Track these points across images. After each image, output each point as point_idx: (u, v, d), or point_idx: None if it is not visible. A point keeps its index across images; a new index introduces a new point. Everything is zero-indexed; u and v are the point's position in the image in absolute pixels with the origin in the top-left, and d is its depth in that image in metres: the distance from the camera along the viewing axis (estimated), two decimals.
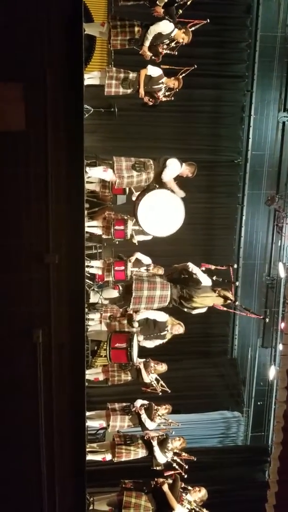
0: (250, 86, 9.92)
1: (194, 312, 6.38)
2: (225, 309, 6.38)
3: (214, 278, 6.29)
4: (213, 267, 6.33)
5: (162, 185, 6.34)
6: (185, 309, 6.37)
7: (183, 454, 6.64)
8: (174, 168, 6.25)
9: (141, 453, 6.62)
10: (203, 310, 6.40)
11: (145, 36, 6.13)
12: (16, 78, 5.16)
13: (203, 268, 6.25)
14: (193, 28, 6.34)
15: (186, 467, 6.48)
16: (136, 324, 6.44)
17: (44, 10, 5.11)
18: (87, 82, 6.28)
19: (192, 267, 6.20)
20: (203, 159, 9.48)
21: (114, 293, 7.11)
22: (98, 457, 6.78)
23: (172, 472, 6.48)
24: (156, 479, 6.41)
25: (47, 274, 5.41)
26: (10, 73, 5.17)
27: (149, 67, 6.38)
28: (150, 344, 6.70)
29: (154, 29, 6.07)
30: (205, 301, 6.21)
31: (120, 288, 6.76)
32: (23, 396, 5.60)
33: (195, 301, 6.17)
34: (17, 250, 5.38)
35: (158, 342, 6.69)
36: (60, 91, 5.27)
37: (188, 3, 6.01)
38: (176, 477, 6.35)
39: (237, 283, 7.17)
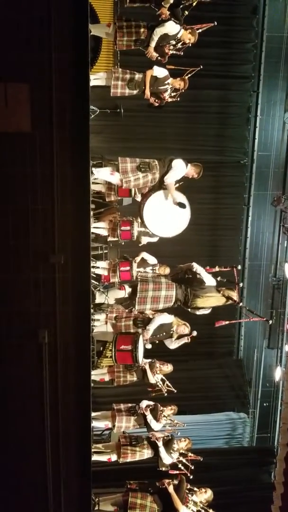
0: (256, 87, 9.90)
1: (198, 312, 6.38)
2: (227, 322, 6.36)
3: (219, 279, 6.28)
4: (217, 269, 6.32)
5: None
6: (190, 310, 6.36)
7: (189, 454, 6.63)
8: (179, 170, 6.22)
9: (147, 454, 6.61)
10: (208, 311, 6.39)
11: (151, 37, 6.11)
12: (22, 79, 5.18)
13: (208, 271, 6.24)
14: (199, 30, 6.33)
15: (192, 467, 6.46)
16: (150, 333, 6.42)
17: (51, 11, 5.12)
18: (93, 83, 6.29)
19: (196, 267, 6.20)
20: (209, 159, 9.49)
21: (120, 294, 7.10)
22: (103, 458, 6.78)
23: (178, 472, 6.47)
24: (161, 480, 6.41)
25: (53, 275, 5.43)
26: (16, 74, 5.19)
27: (155, 68, 6.38)
28: (175, 344, 6.69)
29: (160, 30, 6.06)
30: (209, 301, 6.19)
31: (126, 288, 6.76)
32: (29, 396, 5.62)
33: (199, 301, 6.17)
34: (23, 250, 5.40)
35: (181, 342, 6.66)
36: (66, 92, 5.29)
37: (194, 4, 5.99)
38: (181, 478, 6.34)
39: (241, 284, 7.15)
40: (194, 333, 6.54)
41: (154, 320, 6.45)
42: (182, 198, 6.30)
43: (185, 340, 6.60)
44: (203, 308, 6.35)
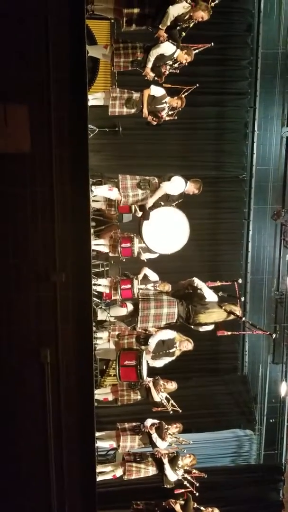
0: (253, 103, 10.00)
1: (201, 329, 6.34)
2: (230, 333, 6.33)
3: (220, 294, 6.26)
4: (218, 283, 6.30)
5: (166, 202, 6.35)
6: (192, 326, 6.33)
7: (194, 471, 6.54)
8: (176, 185, 6.25)
9: (151, 471, 6.54)
10: (210, 327, 6.35)
11: (147, 58, 6.18)
12: (21, 100, 5.24)
13: (209, 286, 6.23)
14: (196, 51, 6.40)
15: (197, 484, 6.37)
16: (151, 347, 6.39)
17: (48, 33, 5.20)
18: (91, 103, 6.36)
19: (197, 282, 6.20)
20: (208, 175, 9.54)
21: (122, 311, 7.08)
22: (108, 476, 6.70)
23: (183, 490, 6.38)
24: (168, 500, 6.31)
25: (54, 293, 5.41)
26: (16, 95, 5.25)
27: (152, 87, 6.45)
28: (159, 363, 6.65)
29: (156, 51, 6.13)
30: (211, 316, 6.17)
31: (128, 305, 6.74)
32: (31, 416, 5.56)
33: (202, 316, 6.14)
34: (23, 269, 5.39)
35: (167, 360, 6.63)
36: (65, 112, 5.33)
37: (190, 25, 6.07)
38: (188, 497, 6.26)
39: (242, 298, 7.13)
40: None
41: (155, 335, 6.42)
42: (173, 216, 6.31)
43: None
44: (206, 324, 6.31)
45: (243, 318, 6.39)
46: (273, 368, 10.65)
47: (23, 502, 5.72)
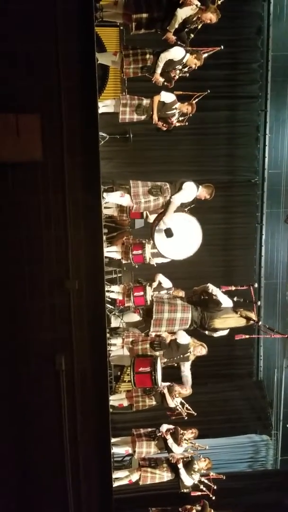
0: (264, 106, 9.95)
1: (216, 334, 6.32)
2: (248, 336, 6.30)
3: (235, 299, 6.23)
4: (233, 288, 6.27)
5: (178, 208, 6.33)
6: (206, 332, 6.31)
7: (211, 473, 6.51)
8: (189, 192, 6.23)
9: (166, 476, 6.52)
10: (225, 332, 6.33)
11: (157, 63, 6.20)
12: (33, 110, 5.29)
13: (223, 290, 6.20)
14: (206, 55, 6.41)
15: (215, 487, 6.33)
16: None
17: (58, 42, 5.25)
18: (101, 110, 6.40)
19: (212, 288, 6.17)
20: (220, 180, 9.50)
21: (135, 317, 7.09)
22: (124, 481, 6.69)
23: (200, 493, 6.34)
24: (184, 506, 6.28)
25: (68, 300, 5.45)
26: (27, 104, 5.31)
27: (162, 93, 6.46)
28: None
29: (165, 56, 6.15)
30: (227, 322, 6.14)
31: (141, 312, 6.73)
32: (47, 423, 5.59)
33: (217, 322, 6.12)
34: (37, 277, 5.44)
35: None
36: (76, 120, 5.40)
37: (199, 27, 6.09)
38: (204, 503, 6.23)
39: (259, 303, 7.08)
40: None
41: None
42: (185, 221, 6.29)
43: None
44: (221, 330, 6.29)
45: (260, 322, 6.36)
46: None
47: (41, 508, 5.74)
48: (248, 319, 6.16)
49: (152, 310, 6.20)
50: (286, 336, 6.77)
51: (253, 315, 6.18)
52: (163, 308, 6.20)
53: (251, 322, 6.17)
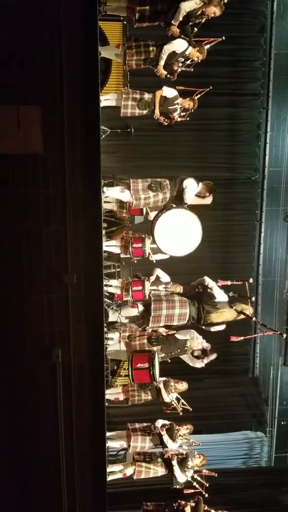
0: (265, 104, 9.95)
1: (213, 329, 6.33)
2: (242, 338, 6.31)
3: (231, 294, 6.24)
4: (229, 282, 6.28)
5: (178, 204, 6.35)
6: (203, 327, 6.32)
7: (204, 470, 6.53)
8: (192, 188, 6.27)
9: (160, 471, 6.54)
10: (222, 327, 6.33)
11: (160, 55, 6.20)
12: (34, 102, 5.28)
13: (220, 284, 6.22)
14: (208, 46, 6.39)
15: (207, 485, 6.35)
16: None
17: (61, 35, 5.24)
18: (103, 103, 6.38)
19: (208, 280, 6.19)
20: (220, 176, 9.51)
21: (133, 312, 7.08)
22: (119, 475, 6.71)
23: (193, 490, 6.36)
24: (178, 501, 6.30)
25: (66, 294, 5.45)
26: (28, 97, 5.29)
27: (164, 88, 6.45)
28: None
29: (168, 48, 6.14)
30: (222, 315, 6.15)
31: (139, 306, 6.74)
32: (42, 416, 5.60)
33: (213, 316, 6.13)
34: (36, 270, 5.44)
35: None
36: (77, 113, 5.38)
37: (203, 21, 6.08)
38: (199, 499, 6.24)
39: (253, 298, 7.10)
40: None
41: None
42: (185, 218, 6.31)
43: (212, 357, 6.66)
44: (217, 324, 6.30)
45: (253, 318, 6.37)
46: (285, 370, 10.59)
47: (34, 501, 5.76)
48: (242, 313, 6.16)
49: (150, 307, 6.21)
50: (278, 332, 6.77)
51: (248, 310, 6.18)
52: (161, 305, 6.22)
53: (245, 316, 6.17)
